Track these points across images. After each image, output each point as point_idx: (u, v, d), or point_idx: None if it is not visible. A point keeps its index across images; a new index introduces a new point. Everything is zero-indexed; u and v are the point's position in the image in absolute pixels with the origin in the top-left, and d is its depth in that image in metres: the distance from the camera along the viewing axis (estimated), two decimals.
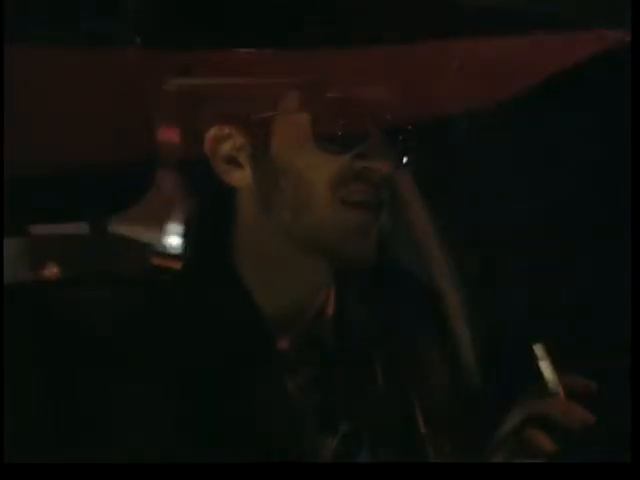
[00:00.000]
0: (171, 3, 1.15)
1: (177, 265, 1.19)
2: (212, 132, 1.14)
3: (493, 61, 1.13)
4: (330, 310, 1.19)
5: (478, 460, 1.13)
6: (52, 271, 1.28)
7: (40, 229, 1.40)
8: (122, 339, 1.11)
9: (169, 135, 1.15)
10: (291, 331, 1.16)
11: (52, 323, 1.11)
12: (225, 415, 1.10)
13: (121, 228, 1.40)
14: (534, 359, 1.10)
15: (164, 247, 1.33)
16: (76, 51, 1.06)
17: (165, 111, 1.13)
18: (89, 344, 1.11)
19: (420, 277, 1.58)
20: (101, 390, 1.08)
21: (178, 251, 1.20)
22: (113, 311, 1.14)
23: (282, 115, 1.11)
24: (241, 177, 1.15)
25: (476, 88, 1.17)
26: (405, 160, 1.16)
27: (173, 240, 1.24)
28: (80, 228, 1.42)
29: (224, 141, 1.14)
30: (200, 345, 1.12)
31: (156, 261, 1.21)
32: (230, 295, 1.15)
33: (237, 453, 1.09)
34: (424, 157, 1.31)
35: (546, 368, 1.10)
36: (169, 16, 1.14)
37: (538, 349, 1.10)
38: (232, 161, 1.14)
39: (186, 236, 1.20)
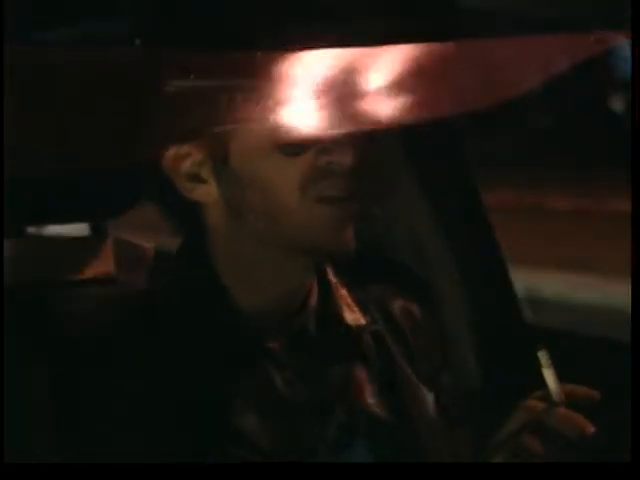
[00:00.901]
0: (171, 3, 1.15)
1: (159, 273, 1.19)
2: (170, 152, 1.13)
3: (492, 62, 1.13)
4: (313, 302, 1.20)
5: (478, 460, 1.13)
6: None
7: (40, 230, 1.41)
8: (114, 341, 1.12)
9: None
10: (276, 327, 1.17)
11: (52, 323, 1.12)
12: (215, 414, 1.10)
13: (120, 229, 1.40)
14: (538, 366, 1.10)
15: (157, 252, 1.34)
16: (76, 51, 1.06)
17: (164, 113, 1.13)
18: (88, 344, 1.11)
19: (412, 268, 1.58)
20: (98, 390, 1.08)
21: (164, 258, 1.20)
22: (106, 311, 1.14)
23: (238, 125, 1.10)
24: (207, 192, 1.14)
25: (476, 89, 1.17)
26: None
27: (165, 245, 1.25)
28: (80, 229, 1.42)
29: (184, 159, 1.13)
30: (189, 348, 1.13)
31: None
32: (212, 299, 1.16)
33: (227, 453, 1.09)
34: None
35: (549, 376, 1.09)
36: (169, 16, 1.14)
37: (542, 357, 1.10)
38: (195, 178, 1.14)
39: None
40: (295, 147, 1.10)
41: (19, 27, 1.07)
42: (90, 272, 1.34)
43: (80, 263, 1.33)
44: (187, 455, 1.07)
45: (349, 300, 1.23)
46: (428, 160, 1.70)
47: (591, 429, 1.07)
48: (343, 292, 1.23)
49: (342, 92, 1.08)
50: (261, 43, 1.04)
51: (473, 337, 1.70)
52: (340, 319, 1.21)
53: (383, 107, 1.09)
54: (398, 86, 1.08)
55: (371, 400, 1.20)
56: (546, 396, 1.10)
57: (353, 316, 1.22)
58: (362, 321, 1.22)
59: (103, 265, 1.35)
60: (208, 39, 1.09)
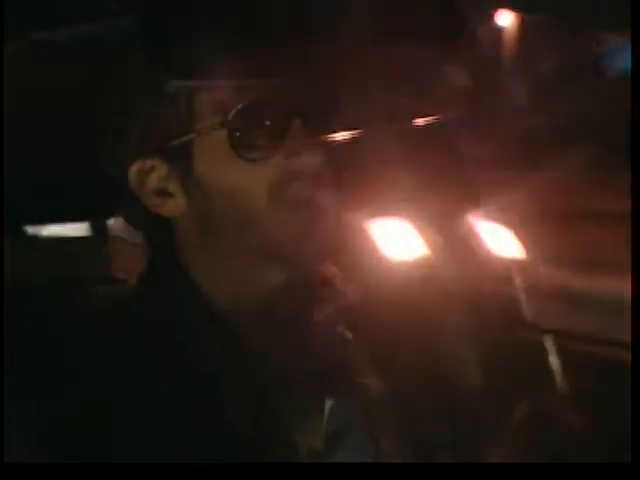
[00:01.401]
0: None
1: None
2: (134, 168, 1.12)
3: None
4: (293, 305, 1.19)
5: (478, 460, 1.14)
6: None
7: (40, 230, 1.41)
8: (106, 338, 1.12)
9: None
10: (258, 326, 1.16)
11: (51, 323, 1.12)
12: (201, 414, 1.10)
13: (120, 229, 1.40)
14: (543, 353, 1.10)
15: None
16: (76, 51, 1.06)
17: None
18: (88, 343, 1.11)
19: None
20: (98, 390, 1.08)
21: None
22: (106, 311, 1.14)
23: (200, 136, 1.10)
24: (175, 206, 1.13)
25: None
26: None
27: None
28: (80, 229, 1.42)
29: (149, 174, 1.12)
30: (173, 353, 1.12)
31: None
32: (192, 305, 1.14)
33: (218, 452, 1.09)
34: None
35: (554, 363, 1.10)
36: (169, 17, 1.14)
37: (547, 342, 1.10)
38: (162, 192, 1.13)
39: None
40: (259, 153, 1.10)
41: (19, 27, 1.07)
42: (90, 272, 1.34)
43: (80, 263, 1.33)
44: (171, 455, 1.06)
45: (325, 302, 1.22)
46: (427, 160, 1.71)
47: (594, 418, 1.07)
48: (320, 294, 1.22)
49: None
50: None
51: (473, 337, 1.70)
52: (313, 322, 1.20)
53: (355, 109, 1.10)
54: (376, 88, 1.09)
55: (362, 379, 1.19)
56: (549, 387, 1.10)
57: (326, 319, 1.21)
58: (335, 325, 1.21)
59: (103, 265, 1.35)
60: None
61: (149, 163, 1.12)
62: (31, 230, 1.37)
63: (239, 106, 1.09)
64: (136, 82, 1.10)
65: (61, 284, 1.20)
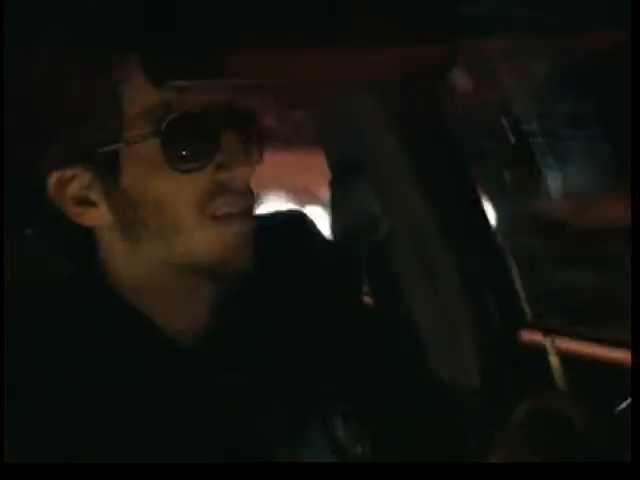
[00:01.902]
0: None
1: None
2: (54, 177, 1.09)
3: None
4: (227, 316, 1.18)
5: (478, 460, 1.13)
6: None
7: (39, 229, 1.40)
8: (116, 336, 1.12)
9: None
10: (198, 341, 1.15)
11: (51, 323, 1.11)
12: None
13: None
14: (544, 353, 1.10)
15: None
16: (77, 51, 1.06)
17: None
18: (87, 343, 1.11)
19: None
20: (97, 389, 1.08)
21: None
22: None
23: (129, 145, 1.07)
24: (97, 216, 1.11)
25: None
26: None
27: None
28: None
29: (69, 183, 1.10)
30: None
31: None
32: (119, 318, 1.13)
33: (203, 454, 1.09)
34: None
35: (555, 363, 1.10)
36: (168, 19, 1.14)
37: (548, 343, 1.10)
38: (84, 201, 1.10)
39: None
40: (190, 164, 1.07)
41: (19, 28, 1.06)
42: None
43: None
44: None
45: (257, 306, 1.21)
46: (427, 159, 1.70)
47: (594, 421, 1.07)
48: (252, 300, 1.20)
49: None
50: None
51: (473, 337, 1.70)
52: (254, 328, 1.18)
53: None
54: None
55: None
56: (548, 386, 1.11)
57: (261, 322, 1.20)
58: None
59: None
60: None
61: (70, 171, 1.09)
62: (31, 230, 1.37)
63: (172, 116, 1.07)
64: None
65: (61, 284, 1.19)
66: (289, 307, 1.23)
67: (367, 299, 1.64)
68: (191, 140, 1.07)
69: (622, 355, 1.54)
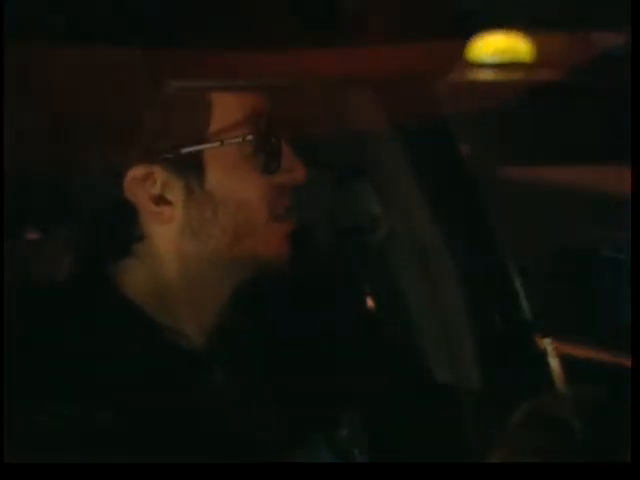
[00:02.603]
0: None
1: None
2: (131, 173, 1.11)
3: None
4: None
5: (478, 460, 1.13)
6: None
7: (39, 229, 1.40)
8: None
9: None
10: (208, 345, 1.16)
11: (51, 323, 1.11)
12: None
13: None
14: (540, 352, 1.11)
15: None
16: (76, 51, 1.06)
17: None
18: (87, 343, 1.11)
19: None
20: (97, 389, 1.08)
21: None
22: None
23: (220, 145, 1.10)
24: (170, 214, 1.12)
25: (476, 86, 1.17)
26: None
27: None
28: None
29: (147, 180, 1.11)
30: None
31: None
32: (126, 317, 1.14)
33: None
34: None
35: (554, 365, 1.10)
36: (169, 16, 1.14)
37: (548, 345, 1.10)
38: (160, 199, 1.12)
39: None
40: (271, 165, 1.12)
41: (19, 27, 1.06)
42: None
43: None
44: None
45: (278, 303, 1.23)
46: (427, 160, 1.70)
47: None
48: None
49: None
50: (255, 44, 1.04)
51: (473, 337, 1.70)
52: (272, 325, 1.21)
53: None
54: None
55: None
56: (550, 388, 1.11)
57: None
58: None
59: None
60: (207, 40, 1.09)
61: (149, 168, 1.11)
62: (31, 230, 1.37)
63: (265, 119, 1.11)
64: (142, 87, 1.09)
65: (61, 284, 1.19)
66: (291, 308, 1.23)
67: (367, 299, 1.64)
68: (274, 141, 1.12)
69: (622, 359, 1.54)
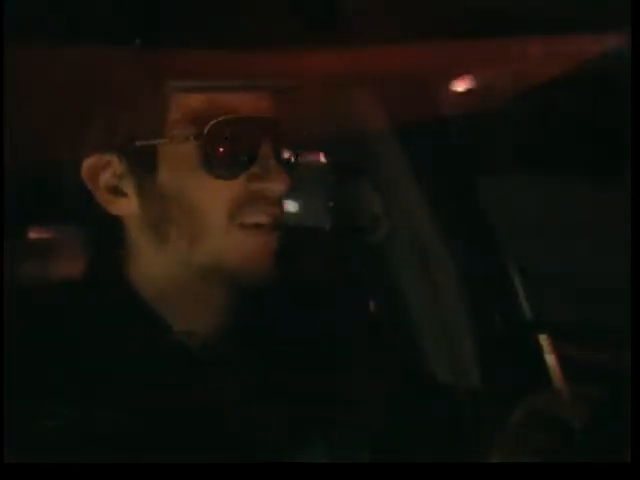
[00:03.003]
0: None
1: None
2: (89, 161, 1.11)
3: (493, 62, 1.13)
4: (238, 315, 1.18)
5: (478, 460, 1.13)
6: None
7: (39, 229, 1.40)
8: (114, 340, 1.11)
9: None
10: (210, 344, 1.15)
11: (51, 323, 1.11)
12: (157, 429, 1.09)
13: None
14: (539, 352, 1.11)
15: None
16: (76, 51, 1.06)
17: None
18: (87, 343, 1.11)
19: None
20: (97, 389, 1.08)
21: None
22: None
23: (168, 144, 1.08)
24: (126, 206, 1.12)
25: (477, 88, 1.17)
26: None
27: None
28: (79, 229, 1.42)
29: (103, 170, 1.11)
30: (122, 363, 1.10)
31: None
32: (134, 316, 1.13)
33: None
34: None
35: (551, 362, 1.10)
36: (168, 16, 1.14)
37: (544, 341, 1.11)
38: (115, 190, 1.12)
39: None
40: (226, 170, 1.09)
41: (19, 27, 1.06)
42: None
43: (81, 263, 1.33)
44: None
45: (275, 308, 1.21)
46: (427, 159, 1.70)
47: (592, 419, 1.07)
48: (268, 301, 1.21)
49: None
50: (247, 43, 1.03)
51: (473, 337, 1.70)
52: (267, 331, 1.19)
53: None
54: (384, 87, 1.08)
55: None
56: (547, 386, 1.11)
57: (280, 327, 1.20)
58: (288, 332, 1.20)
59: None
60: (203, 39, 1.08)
61: (105, 158, 1.11)
62: (31, 230, 1.37)
63: (215, 120, 1.07)
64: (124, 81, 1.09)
65: (61, 284, 1.19)
66: (291, 308, 1.23)
67: (367, 299, 1.64)
68: (229, 147, 1.08)
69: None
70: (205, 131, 1.07)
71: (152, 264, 1.14)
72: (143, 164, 1.10)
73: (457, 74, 1.11)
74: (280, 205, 1.13)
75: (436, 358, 1.67)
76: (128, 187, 1.11)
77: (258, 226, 1.11)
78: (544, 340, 1.12)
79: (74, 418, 1.06)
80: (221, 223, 1.10)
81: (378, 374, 1.26)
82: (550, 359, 1.11)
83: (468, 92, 1.17)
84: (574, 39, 1.11)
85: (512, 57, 1.14)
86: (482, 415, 1.48)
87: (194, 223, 1.10)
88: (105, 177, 1.11)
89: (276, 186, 1.11)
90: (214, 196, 1.09)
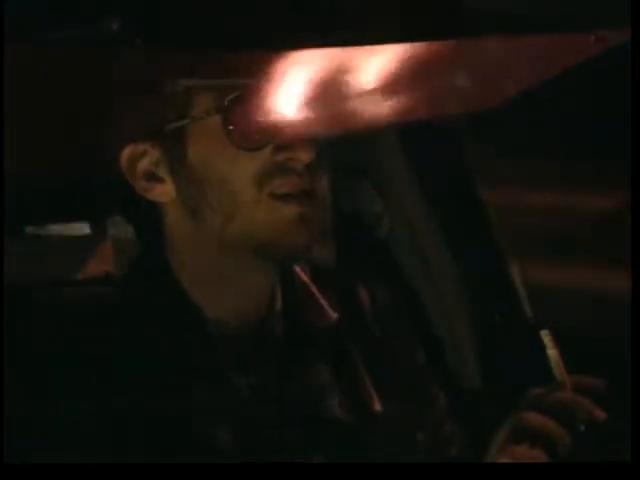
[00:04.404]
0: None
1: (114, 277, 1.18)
2: (127, 151, 1.13)
3: (493, 62, 1.13)
4: (279, 306, 1.19)
5: (478, 460, 1.13)
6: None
7: (39, 229, 1.40)
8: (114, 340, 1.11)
9: None
10: (240, 333, 1.16)
11: (51, 323, 1.11)
12: (180, 423, 1.09)
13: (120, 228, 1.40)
14: (541, 347, 1.10)
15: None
16: (76, 51, 1.06)
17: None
18: (87, 342, 1.11)
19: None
20: (97, 389, 1.08)
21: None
22: (106, 311, 1.14)
23: (194, 122, 1.10)
24: (164, 192, 1.13)
25: (476, 89, 1.17)
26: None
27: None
28: (80, 229, 1.42)
29: (140, 158, 1.13)
30: (151, 355, 1.11)
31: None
32: (172, 305, 1.14)
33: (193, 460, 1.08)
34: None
35: (553, 358, 1.10)
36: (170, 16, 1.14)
37: (546, 337, 1.10)
38: (152, 177, 1.13)
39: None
40: (252, 143, 1.09)
41: (19, 27, 1.06)
42: (90, 272, 1.33)
43: (80, 263, 1.33)
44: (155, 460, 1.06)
45: (317, 301, 1.22)
46: (427, 159, 1.70)
47: (598, 412, 1.07)
48: (311, 292, 1.22)
49: (323, 92, 1.08)
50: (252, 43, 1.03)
51: (473, 337, 1.70)
52: (307, 322, 1.20)
53: (368, 107, 1.09)
54: (391, 86, 1.08)
55: (335, 403, 1.19)
56: (550, 383, 1.10)
57: (320, 318, 1.21)
58: (329, 322, 1.21)
59: (103, 265, 1.34)
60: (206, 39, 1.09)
61: (141, 146, 1.12)
62: (31, 230, 1.37)
63: (236, 93, 1.08)
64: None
65: (61, 284, 1.19)
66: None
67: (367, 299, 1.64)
68: (252, 119, 1.09)
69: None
70: (225, 104, 1.08)
71: (187, 249, 1.15)
72: (174, 148, 1.11)
73: (457, 74, 1.11)
74: (307, 175, 1.12)
75: (436, 358, 1.67)
76: (164, 173, 1.13)
77: (287, 196, 1.11)
78: (545, 335, 1.11)
79: (91, 414, 1.06)
80: (251, 195, 1.10)
81: (378, 373, 1.26)
82: (553, 354, 1.11)
83: (468, 92, 1.17)
84: (574, 39, 1.11)
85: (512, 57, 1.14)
86: (482, 415, 1.48)
87: (225, 198, 1.11)
88: (143, 165, 1.13)
89: (302, 155, 1.11)
90: (241, 168, 1.10)
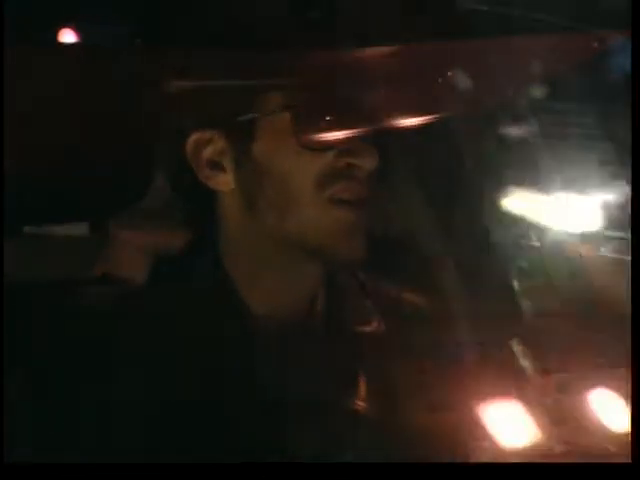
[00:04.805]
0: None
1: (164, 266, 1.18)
2: (193, 137, 1.13)
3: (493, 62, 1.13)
4: (319, 307, 1.19)
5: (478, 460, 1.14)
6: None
7: (39, 229, 1.41)
8: (114, 340, 1.11)
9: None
10: (279, 330, 1.16)
11: (51, 323, 1.12)
12: (213, 414, 1.10)
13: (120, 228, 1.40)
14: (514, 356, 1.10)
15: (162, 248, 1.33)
16: (76, 51, 1.06)
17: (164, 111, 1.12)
18: (86, 343, 1.11)
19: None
20: (97, 389, 1.08)
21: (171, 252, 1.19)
22: (106, 311, 1.14)
23: (264, 116, 1.10)
24: (225, 181, 1.13)
25: (476, 89, 1.17)
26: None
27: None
28: (80, 229, 1.42)
29: (206, 146, 1.13)
30: (190, 345, 1.11)
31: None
32: (218, 295, 1.15)
33: (234, 452, 1.09)
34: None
35: (526, 365, 1.10)
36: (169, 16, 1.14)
37: (515, 347, 1.11)
38: (215, 165, 1.13)
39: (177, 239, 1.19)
40: (318, 143, 1.09)
41: (19, 27, 1.07)
42: (90, 272, 1.33)
43: (80, 263, 1.33)
44: (187, 454, 1.07)
45: (359, 304, 1.22)
46: (427, 159, 1.70)
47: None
48: (352, 296, 1.22)
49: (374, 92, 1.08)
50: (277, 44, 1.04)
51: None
52: (346, 325, 1.20)
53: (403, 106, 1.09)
54: (403, 86, 1.08)
55: (365, 405, 1.19)
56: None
57: (360, 323, 1.21)
58: (368, 328, 1.21)
59: (103, 265, 1.34)
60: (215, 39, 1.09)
61: (208, 134, 1.12)
62: (31, 230, 1.37)
63: (307, 93, 1.08)
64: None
65: (61, 284, 1.20)
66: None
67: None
68: (320, 119, 1.09)
69: None
70: (296, 102, 1.08)
71: (240, 240, 1.15)
72: (242, 139, 1.11)
73: (457, 74, 1.11)
74: (368, 183, 1.12)
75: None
76: (227, 162, 1.13)
77: (345, 202, 1.11)
78: (515, 345, 1.11)
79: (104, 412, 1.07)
80: (309, 195, 1.10)
81: (378, 373, 1.26)
82: (525, 364, 1.11)
83: (468, 92, 1.17)
84: (574, 39, 1.11)
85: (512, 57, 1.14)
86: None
87: (283, 193, 1.11)
88: (207, 153, 1.13)
89: (366, 162, 1.11)
90: (304, 167, 1.10)
